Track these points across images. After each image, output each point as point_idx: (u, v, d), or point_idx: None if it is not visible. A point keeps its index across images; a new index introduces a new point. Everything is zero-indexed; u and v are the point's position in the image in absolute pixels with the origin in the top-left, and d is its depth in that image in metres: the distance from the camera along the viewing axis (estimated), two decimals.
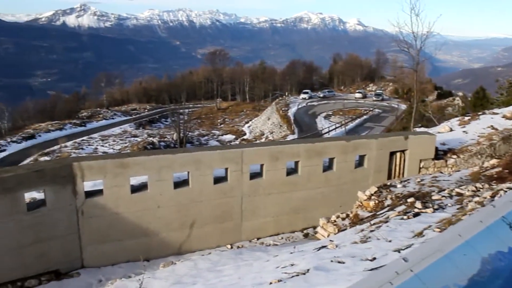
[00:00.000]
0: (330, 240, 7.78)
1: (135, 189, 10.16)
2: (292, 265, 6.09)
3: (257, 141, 46.53)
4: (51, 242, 9.07)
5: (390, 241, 6.42)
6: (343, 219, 10.22)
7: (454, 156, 13.50)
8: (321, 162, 11.96)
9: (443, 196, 8.99)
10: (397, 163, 12.93)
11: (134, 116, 69.41)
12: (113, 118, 65.78)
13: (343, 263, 5.64)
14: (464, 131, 15.65)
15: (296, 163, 11.77)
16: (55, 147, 42.75)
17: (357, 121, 53.05)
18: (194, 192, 10.56)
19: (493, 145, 13.84)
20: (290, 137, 44.08)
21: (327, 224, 10.20)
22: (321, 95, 74.45)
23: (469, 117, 17.63)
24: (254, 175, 11.33)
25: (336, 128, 47.22)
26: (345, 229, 9.28)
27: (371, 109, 60.28)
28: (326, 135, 42.68)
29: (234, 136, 56.94)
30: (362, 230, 7.86)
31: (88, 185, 9.81)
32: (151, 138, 46.85)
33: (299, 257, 6.67)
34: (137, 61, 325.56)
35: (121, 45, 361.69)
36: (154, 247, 10.43)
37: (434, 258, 2.00)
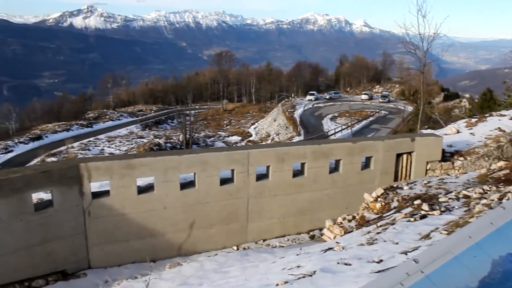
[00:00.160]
0: (337, 242, 7.76)
1: (142, 190, 10.18)
2: (298, 266, 6.08)
3: (263, 143, 46.52)
4: (58, 242, 9.11)
5: (397, 243, 6.39)
6: (350, 221, 10.19)
7: (461, 158, 13.44)
8: (327, 164, 11.94)
9: (450, 199, 8.94)
10: (404, 165, 12.88)
11: (140, 117, 69.56)
12: (119, 119, 65.97)
13: (350, 265, 5.62)
14: (471, 133, 15.57)
15: (302, 164, 11.75)
16: (62, 148, 42.94)
17: (363, 122, 52.95)
18: (200, 193, 10.57)
19: (501, 147, 13.76)
20: (296, 139, 44.06)
21: (333, 226, 10.18)
22: (327, 97, 74.39)
23: (476, 119, 17.55)
24: (260, 177, 11.32)
25: (342, 129, 47.14)
26: (352, 231, 9.25)
27: (377, 110, 60.15)
28: (332, 137, 42.61)
29: (240, 138, 56.96)
30: (369, 232, 7.83)
31: (95, 186, 9.84)
32: (157, 139, 46.95)
33: (306, 258, 6.65)
34: (144, 62, 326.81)
35: (127, 46, 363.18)
36: (160, 248, 10.45)
37: (444, 259, 1.99)
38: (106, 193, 9.77)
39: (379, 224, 8.36)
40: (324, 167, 11.88)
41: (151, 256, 9.90)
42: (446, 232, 6.43)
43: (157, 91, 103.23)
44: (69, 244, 9.33)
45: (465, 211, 7.76)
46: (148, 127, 62.53)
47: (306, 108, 62.61)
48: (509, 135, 14.44)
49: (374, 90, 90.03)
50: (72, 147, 43.34)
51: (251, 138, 56.08)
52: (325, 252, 6.92)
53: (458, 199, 8.87)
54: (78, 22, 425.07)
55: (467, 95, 70.04)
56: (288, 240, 11.73)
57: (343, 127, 48.05)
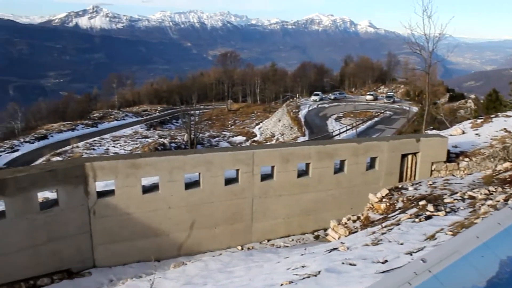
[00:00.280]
0: (341, 242, 7.75)
1: (147, 189, 10.21)
2: (303, 267, 6.07)
3: (268, 143, 46.52)
4: (63, 241, 9.14)
5: (401, 243, 6.38)
6: (354, 221, 10.18)
7: (467, 159, 13.39)
8: (332, 164, 11.92)
9: (455, 199, 8.91)
10: (409, 165, 12.85)
11: (145, 117, 69.69)
12: (124, 119, 66.12)
13: (355, 265, 5.61)
14: (476, 134, 15.52)
15: (307, 165, 11.74)
16: (67, 148, 43.08)
17: (368, 123, 52.82)
18: (205, 193, 10.58)
19: (506, 148, 13.70)
20: (301, 139, 44.00)
21: (338, 226, 10.17)
22: (332, 97, 74.22)
23: (481, 120, 17.49)
24: (265, 177, 11.33)
25: (347, 130, 47.04)
26: (356, 232, 9.24)
27: (382, 111, 59.98)
28: (337, 137, 42.54)
29: (244, 138, 56.94)
30: (374, 233, 7.82)
31: (100, 185, 9.88)
32: (162, 139, 47.03)
33: (310, 259, 6.65)
34: (149, 62, 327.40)
35: (132, 46, 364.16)
36: (165, 248, 10.47)
37: (452, 259, 1.99)
38: (111, 192, 9.80)
39: (384, 224, 8.34)
40: (329, 168, 11.87)
41: (156, 255, 9.91)
42: (451, 233, 6.41)
43: (162, 91, 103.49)
44: (74, 243, 9.36)
45: (470, 212, 7.73)
46: (152, 127, 62.64)
47: (310, 108, 62.50)
48: None
49: (379, 91, 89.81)
50: (77, 147, 43.47)
51: (255, 138, 56.06)
52: (329, 252, 6.91)
53: (463, 200, 8.84)
54: (83, 22, 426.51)
55: (473, 96, 69.70)
56: (293, 240, 11.73)
57: (348, 127, 47.94)
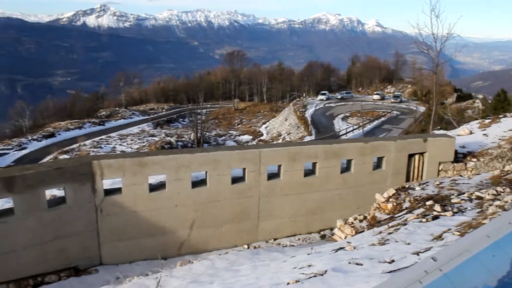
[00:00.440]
0: (348, 242, 7.73)
1: (153, 188, 10.23)
2: (309, 266, 6.07)
3: (274, 142, 46.49)
4: (70, 238, 9.19)
5: (408, 243, 6.36)
6: (361, 221, 10.16)
7: (474, 159, 13.32)
8: (339, 164, 11.90)
9: (462, 200, 8.87)
10: (416, 165, 12.80)
11: (152, 116, 69.93)
12: (131, 118, 66.37)
13: (361, 265, 5.60)
14: (484, 134, 15.44)
15: (314, 164, 11.73)
16: (74, 146, 43.29)
17: (375, 123, 52.70)
18: (211, 192, 10.60)
19: None
20: (307, 139, 43.97)
21: (345, 225, 10.15)
22: (339, 97, 74.15)
23: (489, 120, 17.40)
24: (272, 176, 11.32)
25: (354, 129, 46.96)
26: (363, 231, 9.22)
27: (389, 111, 59.81)
28: (344, 137, 42.46)
29: (251, 137, 56.98)
30: (380, 232, 7.80)
31: (107, 183, 9.91)
32: (168, 138, 47.13)
33: (317, 258, 6.64)
34: (156, 61, 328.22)
35: (140, 45, 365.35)
36: (171, 246, 10.49)
37: (462, 258, 1.98)
38: (118, 190, 9.82)
39: (390, 224, 8.32)
40: (336, 167, 11.85)
41: (162, 253, 9.93)
42: (458, 233, 6.39)
43: (169, 90, 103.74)
44: (81, 241, 9.41)
45: (478, 213, 7.70)
46: (159, 126, 62.83)
47: (317, 107, 62.45)
48: None
49: (386, 90, 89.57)
50: (84, 145, 43.68)
51: (262, 138, 56.08)
52: (336, 251, 6.90)
53: (471, 200, 8.80)
54: (91, 21, 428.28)
55: (481, 96, 69.38)
56: (299, 239, 11.72)
57: (355, 127, 47.86)
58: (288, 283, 5.29)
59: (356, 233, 9.46)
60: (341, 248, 7.06)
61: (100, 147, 43.31)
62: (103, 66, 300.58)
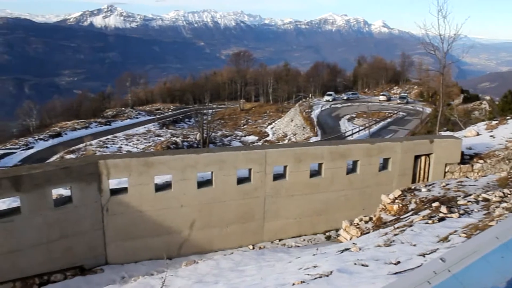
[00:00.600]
0: (353, 243, 7.71)
1: (159, 188, 10.26)
2: (315, 267, 6.06)
3: (280, 143, 46.47)
4: (76, 238, 9.23)
5: (414, 245, 6.34)
6: (366, 222, 10.13)
7: (481, 161, 13.25)
8: (344, 165, 11.89)
9: (469, 201, 8.82)
10: (422, 167, 12.76)
11: (158, 116, 70.05)
12: (137, 118, 66.53)
13: (367, 266, 5.59)
14: (491, 136, 15.36)
15: (320, 165, 11.72)
16: (81, 145, 43.46)
17: (381, 124, 52.55)
18: (217, 192, 10.61)
19: None
20: (313, 139, 43.90)
21: (350, 226, 10.13)
22: (345, 97, 73.95)
23: (496, 122, 17.31)
24: (277, 176, 11.32)
25: (360, 130, 46.85)
26: (368, 232, 9.19)
27: (396, 112, 59.63)
28: (350, 138, 42.37)
29: (257, 137, 56.97)
30: (386, 234, 7.77)
31: (113, 183, 9.94)
32: (174, 138, 47.20)
33: (322, 259, 6.63)
34: (162, 61, 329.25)
35: (146, 45, 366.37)
36: (176, 246, 10.51)
37: (471, 259, 1.97)
38: (124, 190, 9.86)
39: (396, 225, 8.30)
40: (341, 168, 11.83)
41: (167, 253, 9.96)
42: (465, 235, 6.36)
43: (175, 90, 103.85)
44: (87, 240, 9.45)
45: (484, 215, 7.65)
46: (165, 126, 62.92)
47: (323, 108, 62.35)
48: None
49: (392, 91, 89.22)
50: (91, 145, 43.84)
51: (268, 138, 56.05)
52: (341, 252, 6.89)
53: (477, 202, 8.75)
54: (98, 21, 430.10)
55: (488, 97, 68.91)
56: (304, 240, 11.71)
57: (361, 128, 47.75)
58: (293, 284, 5.28)
59: (362, 234, 9.43)
60: (346, 249, 7.04)
61: (106, 147, 43.44)
62: (110, 66, 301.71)
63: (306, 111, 58.67)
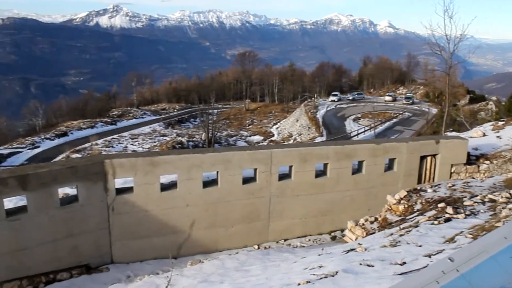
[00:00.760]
0: (359, 243, 7.71)
1: (165, 187, 10.27)
2: (320, 267, 6.06)
3: (286, 143, 46.44)
4: (82, 237, 9.26)
5: (420, 246, 6.32)
6: (372, 222, 10.11)
7: (487, 162, 13.19)
8: (350, 165, 11.86)
9: (475, 202, 8.79)
10: (428, 167, 12.72)
11: (163, 116, 70.23)
12: (143, 117, 66.73)
13: (372, 266, 5.58)
14: (497, 136, 15.29)
15: (325, 165, 11.70)
16: (86, 145, 43.60)
17: (387, 124, 52.40)
18: (222, 192, 10.62)
19: None
20: (318, 139, 43.86)
21: (355, 227, 10.12)
22: (350, 98, 73.80)
23: (503, 122, 17.24)
24: (283, 176, 11.31)
25: (365, 131, 46.75)
26: (374, 233, 9.18)
27: (401, 112, 59.47)
28: (355, 138, 42.30)
29: (262, 137, 57.00)
30: (392, 234, 7.76)
31: (119, 182, 9.98)
32: (179, 138, 47.26)
33: (327, 259, 6.62)
34: (167, 61, 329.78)
35: (152, 45, 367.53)
36: (182, 245, 10.53)
37: (480, 259, 1.97)
38: (129, 189, 9.88)
39: (402, 226, 8.28)
40: (347, 168, 11.81)
41: (173, 252, 9.99)
42: (471, 236, 6.33)
43: (180, 90, 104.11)
44: (93, 239, 9.48)
45: (491, 215, 7.63)
46: (171, 126, 63.08)
47: (328, 108, 62.28)
48: None
49: (398, 92, 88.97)
50: (96, 144, 43.98)
51: (273, 138, 56.07)
52: (347, 253, 6.88)
53: (483, 203, 8.72)
54: (104, 21, 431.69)
55: (494, 98, 68.56)
56: (310, 240, 11.70)
57: (366, 128, 47.64)
58: (298, 284, 5.29)
59: (367, 234, 9.42)
60: (352, 250, 7.04)
61: (112, 147, 43.55)
62: (115, 66, 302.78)
63: (312, 111, 58.62)
